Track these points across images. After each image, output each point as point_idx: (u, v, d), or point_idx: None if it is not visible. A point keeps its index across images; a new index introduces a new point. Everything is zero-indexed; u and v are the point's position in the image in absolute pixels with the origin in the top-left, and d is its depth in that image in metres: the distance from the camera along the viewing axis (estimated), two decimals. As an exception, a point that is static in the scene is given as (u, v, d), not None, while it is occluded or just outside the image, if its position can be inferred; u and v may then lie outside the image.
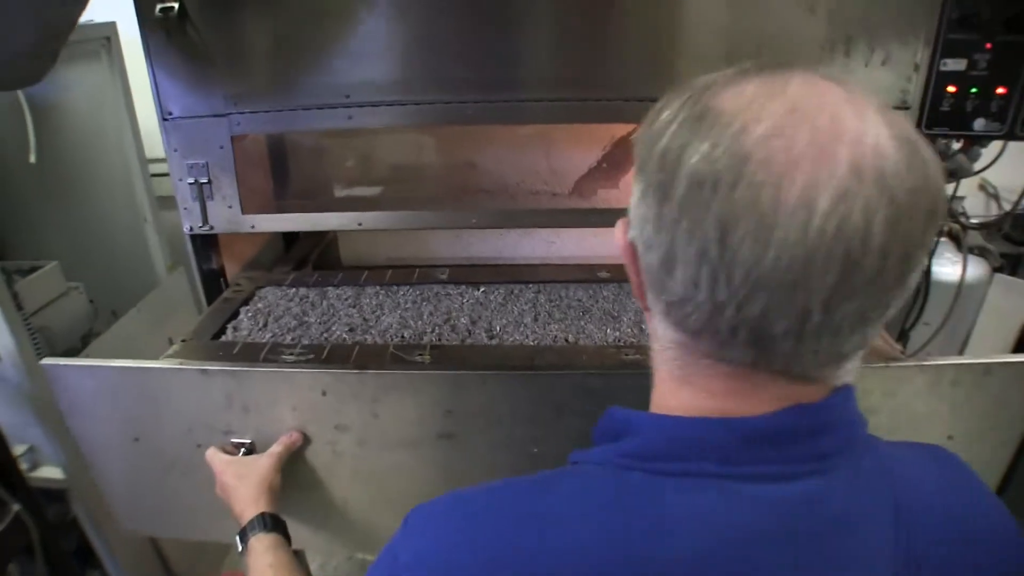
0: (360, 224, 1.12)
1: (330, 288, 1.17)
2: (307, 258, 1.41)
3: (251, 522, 0.77)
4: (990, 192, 1.76)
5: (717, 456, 0.41)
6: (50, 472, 1.33)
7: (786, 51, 0.94)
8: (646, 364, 0.49)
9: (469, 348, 0.96)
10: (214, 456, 0.85)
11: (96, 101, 1.60)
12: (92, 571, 1.49)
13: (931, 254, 1.16)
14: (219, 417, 0.86)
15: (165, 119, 1.05)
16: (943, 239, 1.17)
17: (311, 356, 0.92)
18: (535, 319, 1.04)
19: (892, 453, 0.47)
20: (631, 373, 0.82)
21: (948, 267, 1.17)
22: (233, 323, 1.05)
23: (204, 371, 0.83)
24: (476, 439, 0.85)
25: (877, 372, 0.81)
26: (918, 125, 0.95)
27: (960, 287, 1.15)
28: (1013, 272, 1.46)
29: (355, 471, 0.89)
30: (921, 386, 0.82)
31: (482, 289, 1.15)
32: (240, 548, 0.77)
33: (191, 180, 1.08)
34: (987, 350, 1.34)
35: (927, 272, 1.17)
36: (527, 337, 0.98)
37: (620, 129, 1.20)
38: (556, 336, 0.98)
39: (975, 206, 1.68)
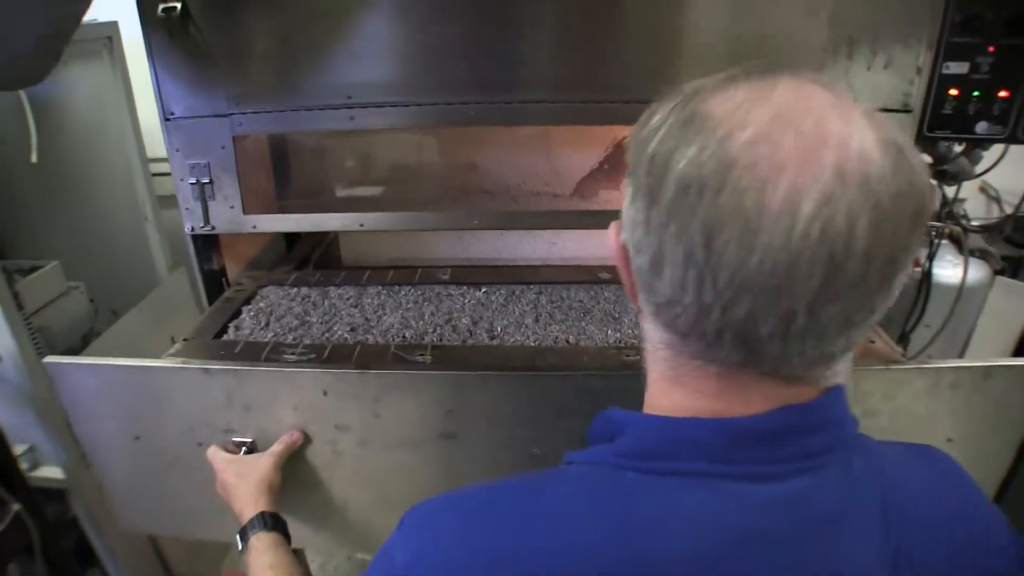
0: (362, 225, 1.12)
1: (332, 288, 1.17)
2: (308, 258, 1.41)
3: (251, 521, 0.77)
4: (991, 195, 1.76)
5: (708, 456, 0.41)
6: (50, 472, 1.33)
7: (789, 54, 0.94)
8: None
9: (470, 348, 0.97)
10: (215, 455, 0.85)
11: (97, 100, 1.60)
12: (92, 570, 1.49)
13: (932, 257, 1.16)
14: (220, 416, 0.86)
15: (167, 119, 1.05)
16: (944, 241, 1.17)
17: (313, 356, 0.92)
18: (536, 320, 1.04)
19: (883, 453, 0.47)
20: (632, 374, 0.81)
21: (949, 269, 1.17)
22: (235, 322, 1.05)
23: (206, 370, 0.83)
24: (477, 439, 0.85)
25: (877, 374, 0.81)
26: (920, 128, 0.95)
27: (961, 290, 1.15)
28: (1014, 275, 1.46)
29: (356, 471, 0.89)
30: (921, 389, 0.82)
31: (483, 290, 1.15)
32: (240, 547, 0.77)
33: (193, 180, 1.08)
34: (987, 353, 1.34)
35: (928, 274, 1.17)
36: (528, 338, 0.98)
37: (621, 131, 1.20)
38: (557, 337, 0.98)
39: (976, 209, 1.68)
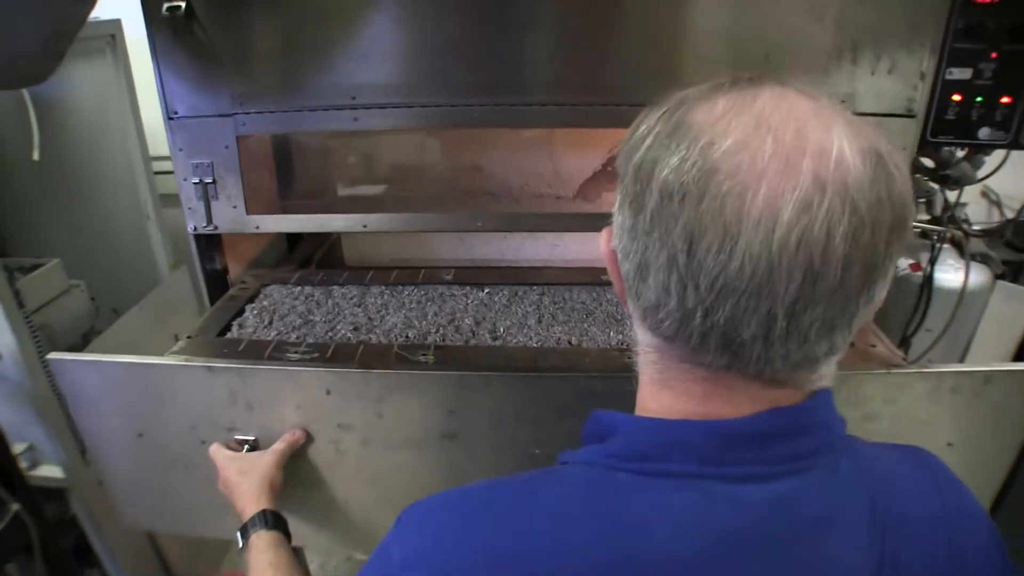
0: (365, 226, 1.12)
1: (335, 287, 1.17)
2: (310, 259, 1.42)
3: (252, 519, 0.77)
4: (992, 199, 1.76)
5: (700, 458, 0.42)
6: (49, 471, 1.32)
7: (793, 58, 0.94)
8: None
9: (473, 349, 0.97)
10: (217, 452, 0.85)
11: (100, 99, 1.60)
12: (91, 570, 1.48)
13: (933, 261, 1.17)
14: (223, 414, 0.86)
15: (171, 118, 1.05)
16: (946, 246, 1.17)
17: (316, 355, 0.92)
18: (539, 321, 1.04)
19: (872, 455, 0.47)
20: (633, 376, 0.82)
21: (950, 274, 1.17)
22: (238, 320, 1.05)
23: (209, 368, 0.84)
24: (479, 440, 0.85)
25: (878, 378, 0.81)
26: (923, 133, 0.96)
27: (962, 294, 1.15)
28: (1015, 279, 1.46)
29: (357, 470, 0.89)
30: (922, 393, 0.82)
31: (486, 290, 1.15)
32: (241, 544, 0.77)
33: (196, 180, 1.08)
34: (988, 357, 1.34)
35: (929, 278, 1.17)
36: (531, 339, 0.98)
37: (624, 134, 1.20)
38: (559, 338, 0.98)
39: (977, 213, 1.68)
